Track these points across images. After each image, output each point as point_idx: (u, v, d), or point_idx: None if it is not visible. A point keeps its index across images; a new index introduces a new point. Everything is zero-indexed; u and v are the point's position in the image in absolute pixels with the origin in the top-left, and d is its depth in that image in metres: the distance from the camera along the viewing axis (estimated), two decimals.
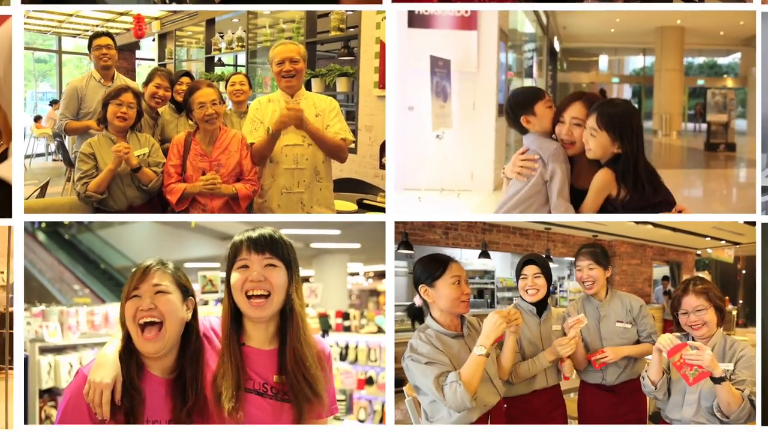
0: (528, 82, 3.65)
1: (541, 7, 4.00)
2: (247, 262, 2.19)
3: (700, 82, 8.61)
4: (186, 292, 2.21)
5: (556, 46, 5.48)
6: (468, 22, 3.15)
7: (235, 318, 2.23)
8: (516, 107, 2.81)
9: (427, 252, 2.86)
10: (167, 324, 2.16)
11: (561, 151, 2.72)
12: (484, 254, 3.71)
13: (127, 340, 2.18)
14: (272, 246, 2.24)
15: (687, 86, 9.50)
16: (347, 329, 3.26)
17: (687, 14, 5.36)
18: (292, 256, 2.26)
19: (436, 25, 3.29)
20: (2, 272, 3.45)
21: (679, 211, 2.74)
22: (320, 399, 2.20)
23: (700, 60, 9.48)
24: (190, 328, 2.22)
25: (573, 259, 3.19)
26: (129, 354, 2.18)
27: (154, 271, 2.16)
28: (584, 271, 2.89)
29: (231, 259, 2.17)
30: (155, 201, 3.16)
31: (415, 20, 3.27)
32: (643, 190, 2.60)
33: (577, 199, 2.75)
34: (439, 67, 3.45)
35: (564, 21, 4.73)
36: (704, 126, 8.16)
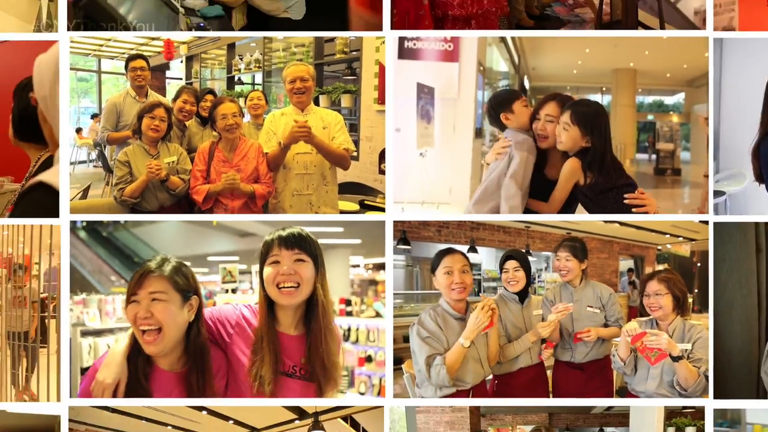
0: None
1: (518, 33, 4.22)
2: (279, 257, 2.33)
3: (650, 117, 9.21)
4: (186, 294, 2.27)
5: (526, 84, 5.64)
6: (451, 55, 3.32)
7: (270, 309, 2.37)
8: (497, 105, 3.02)
9: (422, 247, 3.16)
10: (165, 329, 2.25)
11: (528, 142, 2.95)
12: (472, 249, 4.02)
13: (134, 338, 2.28)
14: (301, 243, 2.36)
15: (638, 121, 10.15)
16: (349, 314, 3.48)
17: (639, 57, 5.61)
18: (319, 252, 2.38)
19: (422, 57, 3.46)
20: (36, 263, 3.69)
21: (642, 204, 3.00)
22: (336, 381, 2.39)
23: (650, 99, 10.00)
24: (196, 325, 2.31)
25: (551, 253, 3.35)
26: (137, 352, 2.30)
27: (152, 277, 2.23)
28: (562, 261, 3.11)
29: (264, 256, 2.34)
30: (183, 202, 3.33)
31: (405, 53, 3.44)
32: (608, 175, 2.78)
33: (548, 188, 2.91)
34: (425, 94, 3.68)
35: (533, 63, 4.92)
36: (654, 156, 8.98)
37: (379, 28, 3.32)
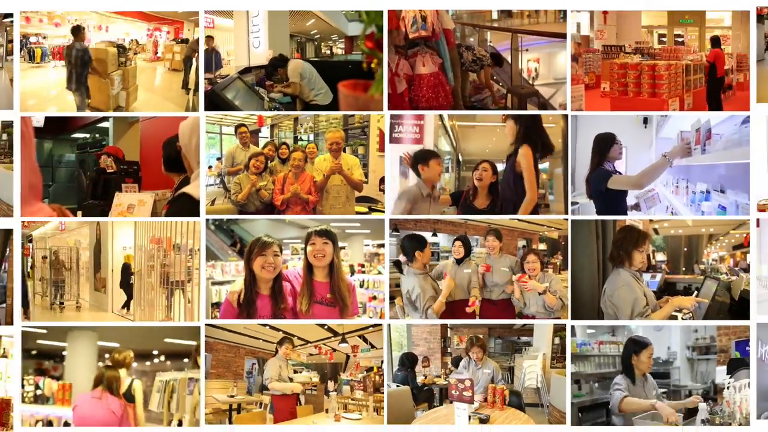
0: (446, 176, 4.41)
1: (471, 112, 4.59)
2: (314, 241, 3.21)
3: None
4: (280, 253, 3.16)
5: (460, 158, 5.96)
6: (419, 140, 3.83)
7: (309, 269, 3.23)
8: (419, 157, 3.67)
9: (405, 233, 4.01)
10: (276, 268, 3.12)
11: (414, 190, 3.63)
12: (434, 234, 4.42)
13: (250, 278, 3.16)
14: (326, 233, 3.25)
15: None
16: (363, 272, 4.13)
17: None
18: (336, 239, 3.27)
19: (401, 141, 3.84)
20: (177, 243, 4.01)
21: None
22: (347, 306, 3.28)
23: None
24: (279, 273, 3.19)
25: (480, 237, 4.13)
26: (250, 283, 3.14)
27: (272, 245, 3.14)
28: (489, 241, 3.86)
29: (306, 240, 3.27)
30: (268, 207, 3.97)
31: (392, 139, 3.80)
32: (547, 146, 3.50)
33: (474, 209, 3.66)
34: (401, 164, 3.95)
35: (462, 145, 5.23)
36: None
37: (366, 105, 3.69)
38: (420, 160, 3.70)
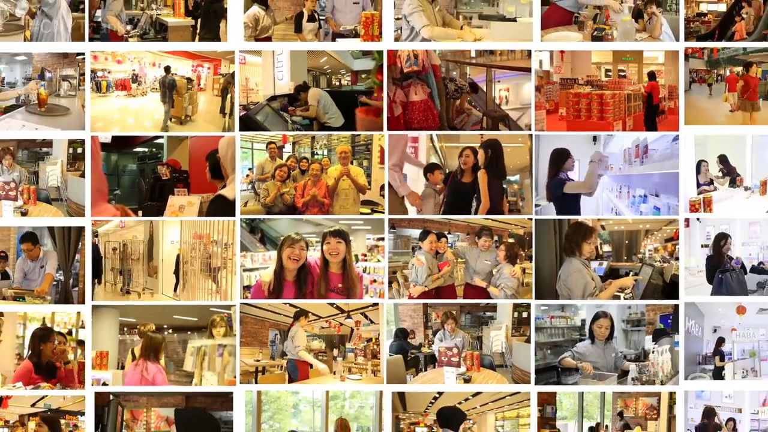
0: None
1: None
2: (329, 240, 3.42)
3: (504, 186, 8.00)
4: (306, 248, 3.41)
5: (447, 170, 5.55)
6: (415, 156, 4.16)
7: (325, 262, 3.45)
8: (429, 168, 4.09)
9: (401, 230, 4.21)
10: (301, 259, 3.36)
11: (427, 190, 4.01)
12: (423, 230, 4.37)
13: (279, 267, 3.38)
14: (339, 233, 3.46)
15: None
16: (365, 260, 4.20)
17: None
18: (348, 238, 3.46)
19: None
20: (214, 240, 4.15)
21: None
22: (356, 291, 3.49)
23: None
24: (304, 264, 3.41)
25: (464, 233, 4.30)
26: (279, 273, 3.37)
27: (299, 239, 3.37)
28: (483, 239, 4.06)
29: (322, 240, 3.46)
30: (291, 208, 4.15)
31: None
32: (502, 174, 3.85)
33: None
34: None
35: (448, 161, 4.44)
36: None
37: (378, 126, 3.89)
38: (429, 170, 4.09)
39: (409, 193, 4.02)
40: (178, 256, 4.04)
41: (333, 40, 4.01)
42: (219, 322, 3.89)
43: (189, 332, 3.97)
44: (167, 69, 4.03)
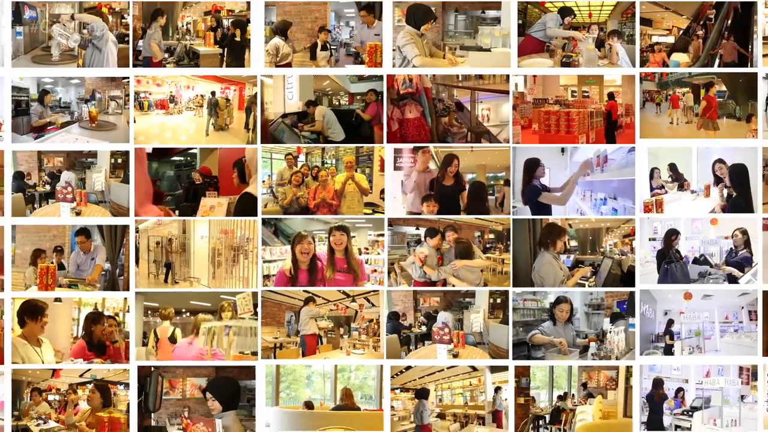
0: None
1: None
2: (334, 233, 3.83)
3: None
4: (314, 243, 3.77)
5: None
6: (412, 167, 4.17)
7: (332, 250, 3.84)
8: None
9: (398, 228, 4.28)
10: (310, 253, 3.75)
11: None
12: (417, 228, 4.39)
13: (294, 259, 3.75)
14: (342, 228, 3.87)
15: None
16: (367, 253, 4.26)
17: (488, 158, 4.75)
18: (349, 231, 3.89)
19: (402, 168, 4.17)
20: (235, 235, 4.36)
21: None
22: (359, 274, 3.94)
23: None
24: (314, 255, 3.76)
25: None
26: (294, 262, 3.72)
27: (307, 236, 3.74)
28: (449, 234, 4.17)
29: (329, 233, 3.85)
30: (304, 210, 4.26)
31: (395, 167, 4.13)
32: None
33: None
34: (402, 185, 4.20)
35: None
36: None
37: (381, 141, 4.11)
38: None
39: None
40: (213, 249, 4.22)
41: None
42: (226, 307, 4.12)
43: (200, 313, 4.18)
44: (213, 93, 4.27)
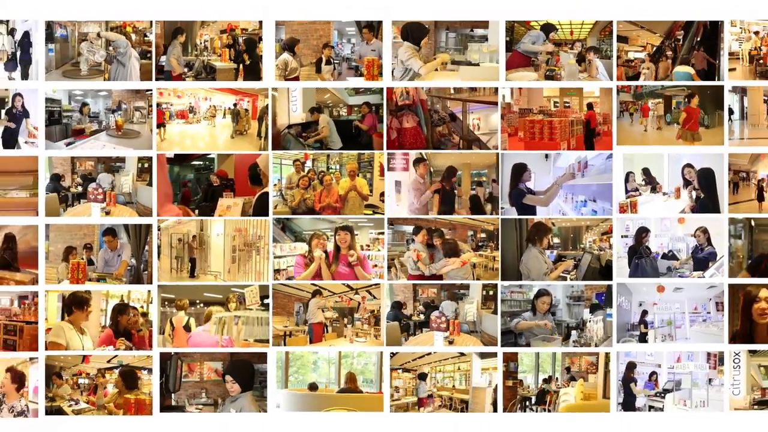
0: None
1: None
2: (339, 233, 4.02)
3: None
4: (327, 240, 3.93)
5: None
6: (405, 169, 4.21)
7: (337, 249, 4.02)
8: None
9: (397, 227, 4.37)
10: (322, 248, 3.93)
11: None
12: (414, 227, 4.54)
13: (309, 251, 3.96)
14: (347, 228, 4.05)
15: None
16: (369, 250, 4.34)
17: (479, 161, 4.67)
18: (352, 231, 4.07)
19: (395, 170, 4.23)
20: (248, 233, 4.53)
21: None
22: (364, 265, 4.10)
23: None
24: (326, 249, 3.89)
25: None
26: (309, 255, 3.88)
27: (322, 234, 3.94)
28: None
29: (334, 232, 4.03)
30: (311, 211, 4.36)
31: (389, 168, 4.16)
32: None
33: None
34: (396, 184, 4.25)
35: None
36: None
37: (381, 147, 4.25)
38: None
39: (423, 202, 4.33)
40: (234, 246, 4.35)
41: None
42: (232, 299, 4.28)
43: (211, 305, 4.35)
44: (235, 104, 4.43)
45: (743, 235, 4.19)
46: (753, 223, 4.23)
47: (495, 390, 4.20)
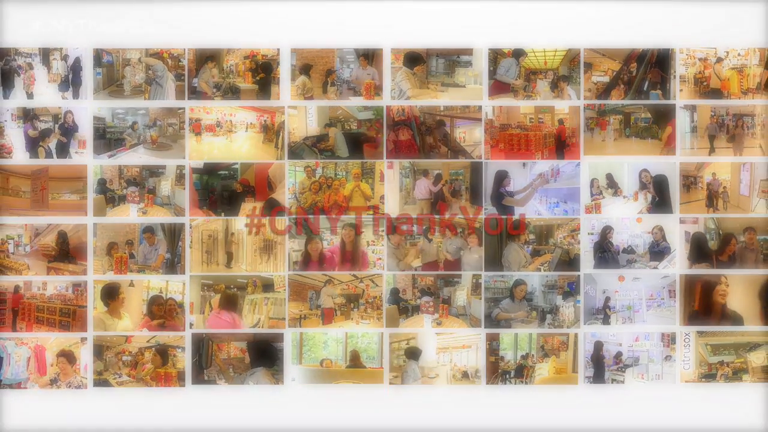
0: None
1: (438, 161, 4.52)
2: (345, 229, 4.32)
3: None
4: (321, 242, 4.18)
5: None
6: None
7: (343, 243, 4.34)
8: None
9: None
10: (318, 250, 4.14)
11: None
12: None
13: (306, 253, 4.24)
14: (351, 225, 4.31)
15: None
16: (374, 245, 4.48)
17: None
18: (356, 229, 4.33)
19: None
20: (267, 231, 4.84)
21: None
22: (365, 261, 4.34)
23: None
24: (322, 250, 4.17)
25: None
26: (306, 256, 4.15)
27: (315, 238, 4.15)
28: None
29: (341, 230, 4.33)
30: (320, 212, 4.56)
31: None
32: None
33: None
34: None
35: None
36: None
37: (381, 156, 4.59)
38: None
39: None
40: (252, 240, 4.68)
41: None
42: (249, 284, 4.62)
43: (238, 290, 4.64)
44: (264, 120, 4.75)
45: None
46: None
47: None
